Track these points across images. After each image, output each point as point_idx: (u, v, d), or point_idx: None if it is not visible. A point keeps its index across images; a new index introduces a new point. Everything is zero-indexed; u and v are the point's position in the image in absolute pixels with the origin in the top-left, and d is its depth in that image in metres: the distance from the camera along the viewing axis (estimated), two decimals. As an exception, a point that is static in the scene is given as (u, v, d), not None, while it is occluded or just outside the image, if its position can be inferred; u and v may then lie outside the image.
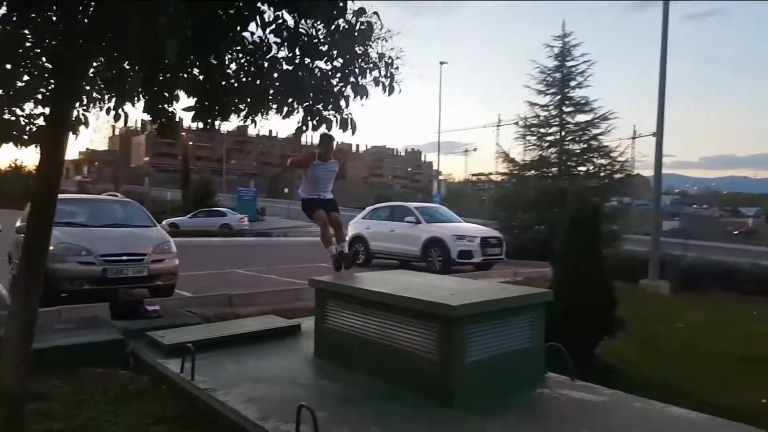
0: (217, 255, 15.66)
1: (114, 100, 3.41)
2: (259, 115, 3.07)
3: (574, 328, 4.51)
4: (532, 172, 17.62)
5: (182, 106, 3.16)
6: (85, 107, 3.19)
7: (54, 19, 2.62)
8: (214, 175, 57.22)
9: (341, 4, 2.45)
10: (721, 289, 11.42)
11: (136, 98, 3.44)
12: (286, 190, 63.51)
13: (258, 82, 2.76)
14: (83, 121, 3.32)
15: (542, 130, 17.43)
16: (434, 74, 44.76)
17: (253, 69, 2.73)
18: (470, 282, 4.90)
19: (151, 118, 3.55)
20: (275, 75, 2.68)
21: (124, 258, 7.26)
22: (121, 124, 3.54)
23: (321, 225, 5.39)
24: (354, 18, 2.55)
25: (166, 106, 3.40)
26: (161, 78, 3.16)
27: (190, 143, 58.57)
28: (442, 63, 36.28)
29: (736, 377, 5.17)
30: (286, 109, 2.79)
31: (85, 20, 2.55)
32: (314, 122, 2.88)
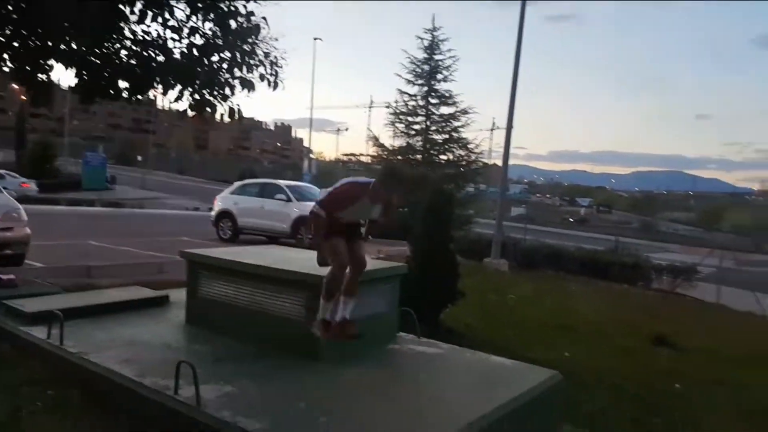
0: (66, 225, 14.55)
1: None
2: (143, 95, 3.21)
3: (423, 296, 5.24)
4: (399, 157, 18.63)
5: (57, 76, 3.19)
6: None
7: None
8: (55, 135, 51.45)
9: (233, 8, 2.73)
10: (551, 269, 13.31)
11: (2, 64, 3.35)
12: (139, 158, 58.81)
13: (145, 66, 2.93)
14: None
15: (410, 119, 18.45)
16: (308, 48, 44.22)
17: (144, 53, 2.89)
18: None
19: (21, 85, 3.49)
20: (168, 64, 2.87)
21: (-32, 225, 6.71)
22: None
23: (337, 264, 3.44)
24: (244, 19, 2.84)
25: (39, 74, 3.36)
26: (34, 45, 3.15)
27: (24, 97, 51.78)
28: (316, 39, 36.26)
29: (549, 338, 6.31)
30: (175, 94, 3.00)
31: None
32: (199, 107, 3.11)
